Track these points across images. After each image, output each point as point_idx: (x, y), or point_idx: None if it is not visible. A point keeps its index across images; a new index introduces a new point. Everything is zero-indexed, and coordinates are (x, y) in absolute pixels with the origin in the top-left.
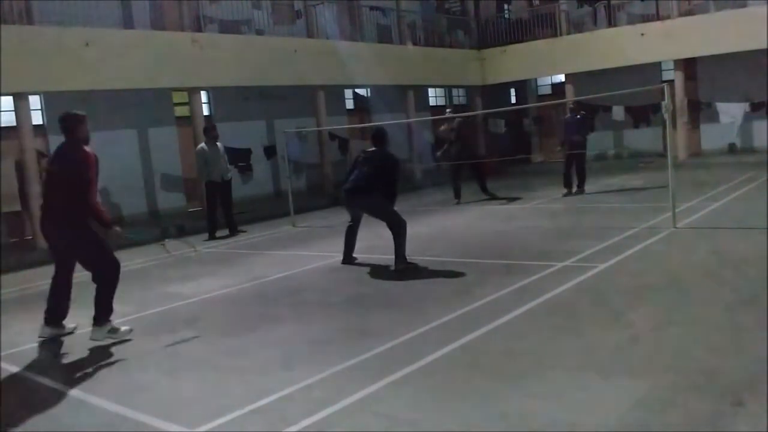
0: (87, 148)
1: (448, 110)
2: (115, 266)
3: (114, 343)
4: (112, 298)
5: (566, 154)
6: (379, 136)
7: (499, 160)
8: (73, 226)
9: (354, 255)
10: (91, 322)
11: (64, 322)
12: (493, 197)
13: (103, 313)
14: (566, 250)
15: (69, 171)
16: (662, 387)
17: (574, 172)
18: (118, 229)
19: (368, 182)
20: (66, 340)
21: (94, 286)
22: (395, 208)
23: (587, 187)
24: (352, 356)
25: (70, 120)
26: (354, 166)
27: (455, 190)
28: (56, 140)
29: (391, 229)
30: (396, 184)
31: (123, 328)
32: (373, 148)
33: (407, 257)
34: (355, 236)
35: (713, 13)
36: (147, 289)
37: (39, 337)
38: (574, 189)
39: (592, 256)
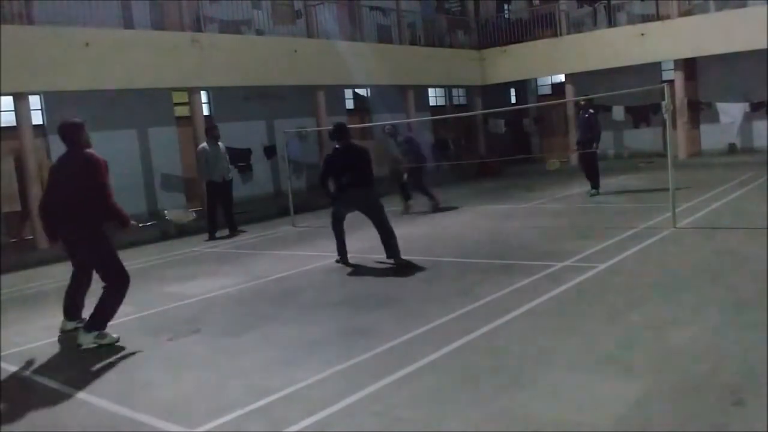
0: (92, 152)
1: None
2: (125, 278)
3: (100, 347)
4: (116, 309)
5: (580, 155)
6: (342, 130)
7: (499, 160)
8: (87, 231)
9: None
10: (82, 325)
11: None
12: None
13: (100, 320)
14: (566, 250)
15: (81, 176)
16: (662, 387)
17: (592, 172)
18: (134, 223)
19: (362, 178)
20: (67, 340)
21: (101, 291)
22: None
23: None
24: (352, 356)
25: (69, 129)
26: (330, 166)
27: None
28: (56, 140)
29: (381, 234)
30: (371, 168)
31: (112, 335)
32: (339, 145)
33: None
34: (344, 233)
35: (713, 13)
36: (147, 289)
37: (61, 331)
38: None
39: (592, 256)
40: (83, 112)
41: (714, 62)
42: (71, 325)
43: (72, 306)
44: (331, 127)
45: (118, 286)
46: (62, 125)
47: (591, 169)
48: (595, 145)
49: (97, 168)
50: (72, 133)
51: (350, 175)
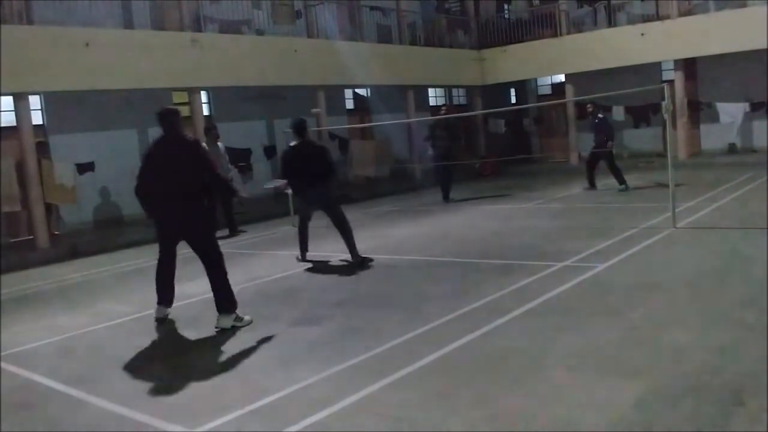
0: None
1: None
2: (221, 253)
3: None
4: (229, 284)
5: (590, 153)
6: (301, 126)
7: (499, 160)
8: (197, 206)
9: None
10: (217, 310)
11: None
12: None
13: (227, 301)
14: (566, 250)
15: (190, 155)
16: (662, 387)
17: (609, 170)
18: (244, 195)
19: (316, 176)
20: (66, 341)
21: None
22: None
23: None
24: (352, 356)
25: (172, 114)
26: (288, 163)
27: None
28: (56, 140)
29: (337, 226)
30: (332, 166)
31: (246, 317)
32: (298, 141)
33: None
34: (307, 234)
35: (713, 13)
36: (147, 289)
37: (156, 319)
38: (597, 186)
39: (592, 256)
40: (83, 112)
41: (714, 62)
42: (166, 311)
43: (169, 291)
44: (332, 127)
45: (221, 262)
46: (166, 111)
47: (613, 168)
48: (610, 143)
49: (201, 145)
50: (174, 118)
51: (306, 175)
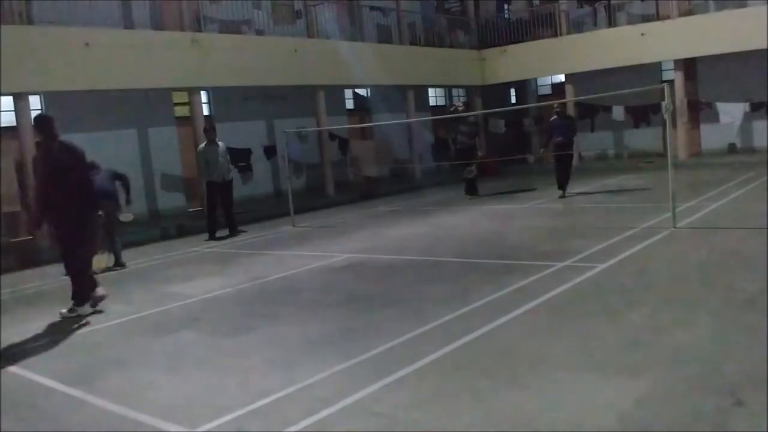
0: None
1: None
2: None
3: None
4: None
5: (554, 156)
6: (44, 123)
7: (499, 160)
8: (79, 212)
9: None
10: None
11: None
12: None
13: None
14: (566, 250)
15: (75, 164)
16: (662, 387)
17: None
18: (123, 219)
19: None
20: (65, 339)
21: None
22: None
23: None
24: (352, 356)
25: (51, 122)
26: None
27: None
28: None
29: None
30: (89, 186)
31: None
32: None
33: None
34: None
35: (713, 13)
36: (147, 289)
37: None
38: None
39: (592, 256)
40: (83, 112)
41: (714, 62)
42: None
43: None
44: (332, 127)
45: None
46: (48, 118)
47: (566, 173)
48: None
49: (84, 157)
50: (53, 126)
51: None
